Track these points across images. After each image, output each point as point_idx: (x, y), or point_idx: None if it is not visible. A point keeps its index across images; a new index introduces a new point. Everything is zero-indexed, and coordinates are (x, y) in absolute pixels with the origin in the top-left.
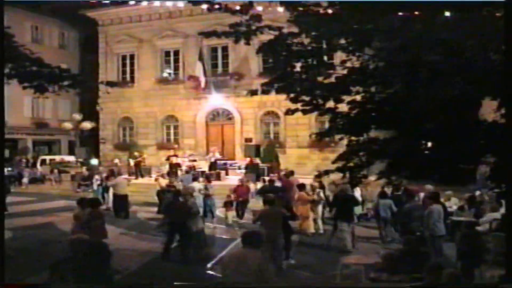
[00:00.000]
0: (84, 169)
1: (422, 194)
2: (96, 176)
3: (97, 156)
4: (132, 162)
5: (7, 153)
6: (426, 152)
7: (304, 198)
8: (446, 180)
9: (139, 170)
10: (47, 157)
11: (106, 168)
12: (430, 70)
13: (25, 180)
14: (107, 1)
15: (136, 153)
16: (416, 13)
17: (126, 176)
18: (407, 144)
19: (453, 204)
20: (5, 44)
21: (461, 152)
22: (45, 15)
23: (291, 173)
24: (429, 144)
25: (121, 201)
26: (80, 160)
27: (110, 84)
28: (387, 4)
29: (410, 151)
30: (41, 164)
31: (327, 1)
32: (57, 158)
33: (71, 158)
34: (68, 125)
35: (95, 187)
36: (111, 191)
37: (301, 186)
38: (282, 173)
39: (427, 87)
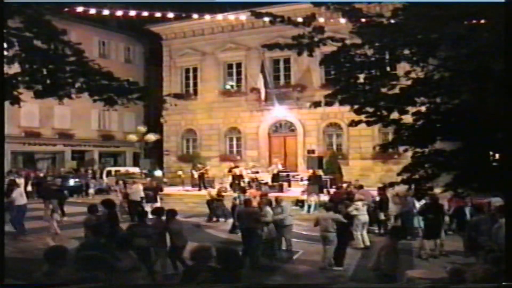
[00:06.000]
0: (148, 180)
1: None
2: (116, 186)
3: (161, 168)
4: (196, 174)
5: (75, 164)
6: (495, 163)
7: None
8: None
9: (203, 181)
10: (113, 169)
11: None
12: (498, 78)
13: (91, 190)
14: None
15: (199, 165)
16: (483, 20)
17: (141, 185)
18: (475, 155)
19: None
20: (76, 60)
21: None
22: (112, 30)
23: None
24: (498, 155)
25: (136, 206)
26: (145, 171)
27: (177, 96)
28: (453, 11)
29: (477, 162)
30: (106, 175)
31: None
32: (122, 169)
33: (136, 170)
34: (133, 137)
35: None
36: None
37: None
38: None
39: (495, 96)
